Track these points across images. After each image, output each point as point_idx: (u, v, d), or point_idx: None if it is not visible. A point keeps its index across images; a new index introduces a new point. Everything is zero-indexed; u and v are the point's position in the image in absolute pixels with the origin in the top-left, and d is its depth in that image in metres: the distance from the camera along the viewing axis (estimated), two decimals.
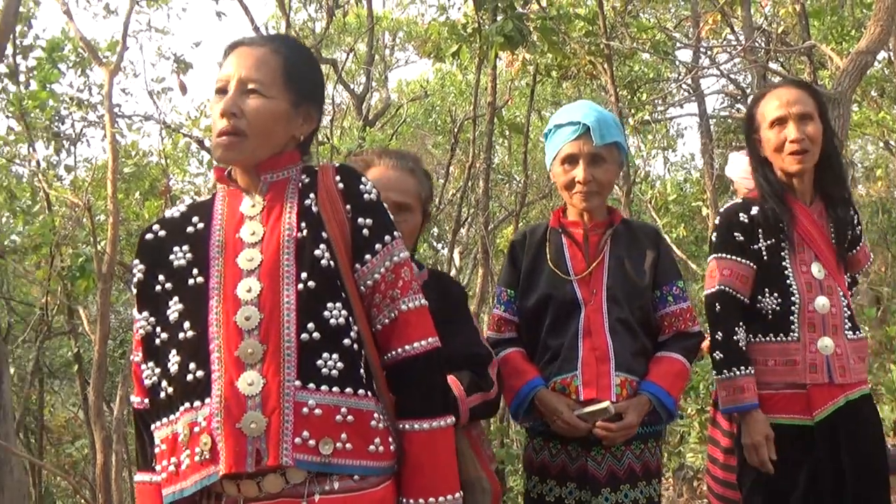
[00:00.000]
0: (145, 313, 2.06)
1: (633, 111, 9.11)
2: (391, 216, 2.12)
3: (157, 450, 2.02)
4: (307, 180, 2.09)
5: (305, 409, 1.90)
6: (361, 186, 2.08)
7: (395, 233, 2.09)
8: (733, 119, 11.23)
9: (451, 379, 2.49)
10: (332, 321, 1.96)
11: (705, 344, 3.22)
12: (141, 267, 2.09)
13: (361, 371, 1.99)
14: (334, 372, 1.94)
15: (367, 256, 2.04)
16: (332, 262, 2.00)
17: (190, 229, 2.08)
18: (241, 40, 2.13)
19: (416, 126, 13.23)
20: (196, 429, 1.92)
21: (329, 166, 2.12)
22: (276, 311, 1.94)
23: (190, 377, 1.94)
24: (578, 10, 7.61)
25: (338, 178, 2.08)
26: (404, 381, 2.04)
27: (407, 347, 2.04)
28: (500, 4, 5.58)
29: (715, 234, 3.06)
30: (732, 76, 10.52)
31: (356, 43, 12.20)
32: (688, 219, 10.23)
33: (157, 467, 2.01)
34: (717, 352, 2.95)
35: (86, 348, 8.43)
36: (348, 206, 2.05)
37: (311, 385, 1.92)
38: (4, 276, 8.74)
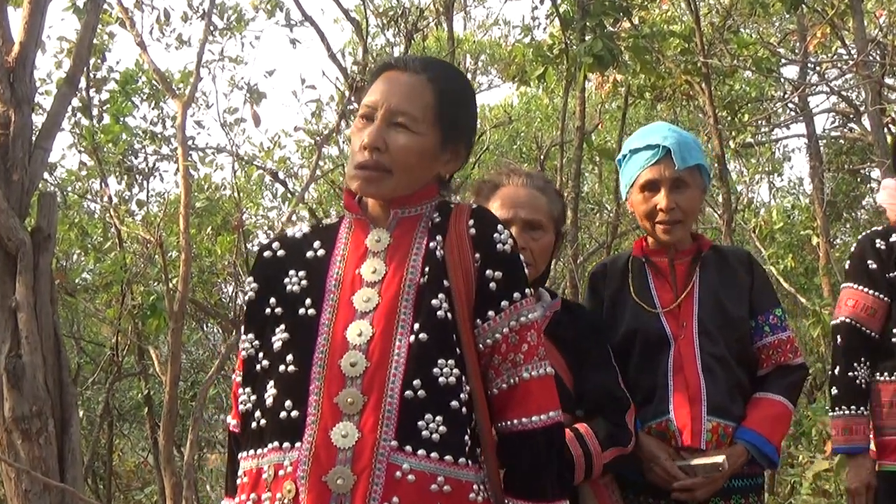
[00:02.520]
0: (251, 335, 2.05)
1: (734, 133, 8.99)
2: (526, 271, 2.08)
3: (239, 480, 2.02)
4: (439, 219, 2.06)
5: (399, 473, 1.86)
6: (496, 235, 2.02)
7: (527, 290, 2.04)
8: (846, 140, 10.98)
9: (584, 428, 2.50)
10: (442, 379, 1.91)
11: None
12: (255, 286, 2.07)
13: (467, 437, 1.94)
14: (436, 436, 1.89)
15: (491, 313, 1.99)
16: (449, 315, 1.96)
17: (310, 254, 2.06)
18: (395, 62, 2.09)
19: (499, 153, 13.28)
20: (281, 472, 1.90)
21: (465, 207, 2.08)
22: (383, 361, 1.91)
23: (284, 415, 1.92)
24: (673, 27, 7.58)
25: (471, 221, 2.04)
26: (517, 455, 1.98)
27: (525, 420, 1.98)
28: (588, 23, 5.60)
29: (848, 261, 3.00)
30: (844, 93, 10.31)
31: None
32: (796, 249, 9.99)
33: (237, 499, 2.01)
34: (833, 387, 2.89)
35: (156, 390, 8.62)
36: (478, 255, 2.00)
37: (409, 447, 1.88)
38: (75, 316, 9.01)
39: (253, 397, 2.02)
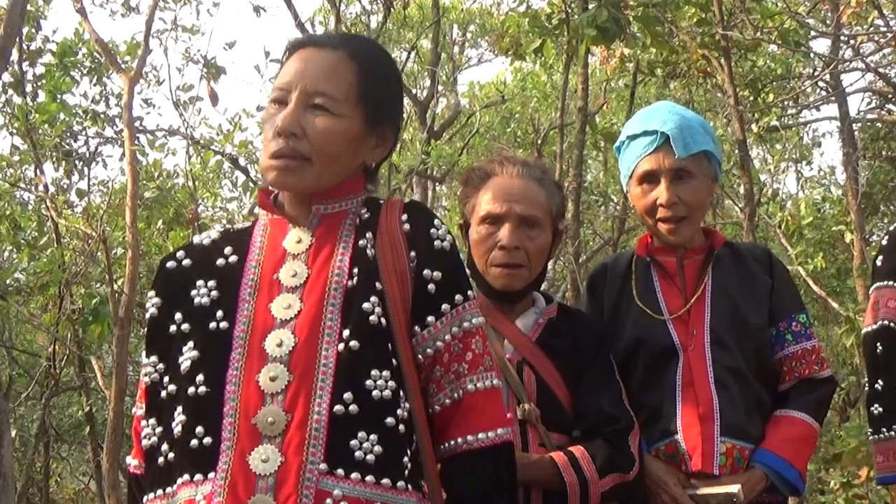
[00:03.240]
0: (154, 358, 2.05)
1: (757, 116, 9.02)
2: (467, 271, 2.10)
3: None
4: (367, 216, 2.08)
5: (329, 501, 1.86)
6: (433, 230, 2.06)
7: (470, 293, 2.07)
8: (883, 123, 11.02)
9: (579, 451, 2.51)
10: (376, 392, 1.93)
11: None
12: (156, 300, 2.09)
13: (406, 459, 1.95)
14: (370, 457, 1.90)
15: (430, 318, 2.01)
16: (383, 320, 1.97)
17: (220, 261, 2.07)
18: (309, 39, 2.12)
19: (491, 137, 13.29)
20: None
21: (396, 202, 2.10)
22: (308, 373, 1.92)
23: (195, 443, 1.92)
24: None
25: (404, 216, 2.06)
26: (463, 480, 2.00)
27: (471, 438, 2.00)
28: None
29: (880, 257, 3.00)
30: (881, 70, 10.35)
31: (419, 39, 12.34)
32: (827, 247, 10.03)
33: None
34: (876, 405, 2.89)
35: (99, 406, 8.60)
36: (413, 254, 2.03)
37: (340, 471, 1.88)
38: (6, 321, 8.98)
39: (158, 429, 2.02)
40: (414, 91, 12.95)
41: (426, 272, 2.02)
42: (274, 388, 1.92)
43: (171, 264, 2.11)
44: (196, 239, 2.16)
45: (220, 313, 2.00)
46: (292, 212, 2.09)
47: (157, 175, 8.19)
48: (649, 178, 2.82)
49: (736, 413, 2.72)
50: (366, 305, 1.97)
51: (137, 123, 7.72)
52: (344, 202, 2.09)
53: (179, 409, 1.97)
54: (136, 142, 6.80)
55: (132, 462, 2.10)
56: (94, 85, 8.40)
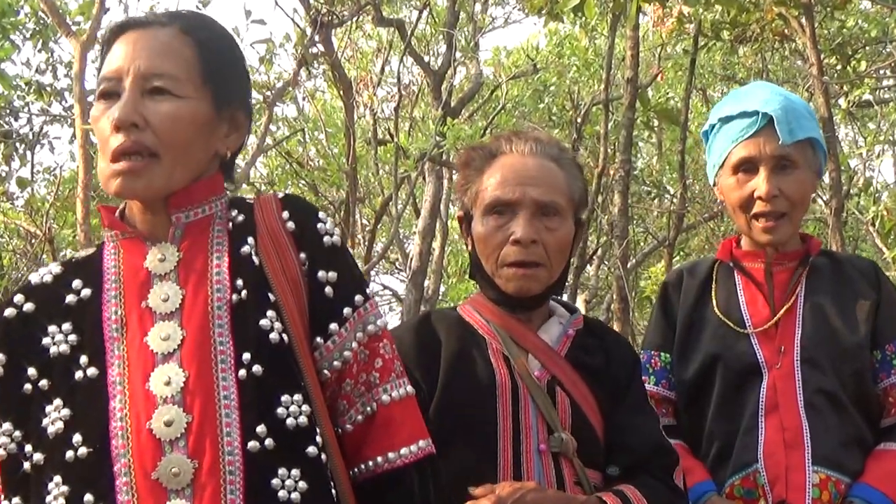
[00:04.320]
0: (7, 425, 2.05)
1: (845, 88, 8.98)
2: (353, 267, 2.14)
3: None
4: (240, 218, 2.11)
5: None
6: (320, 225, 2.11)
7: (368, 291, 2.13)
8: None
9: (631, 492, 2.50)
10: (290, 421, 1.97)
11: None
12: (0, 357, 2.07)
13: (333, 491, 2.01)
14: (295, 495, 1.95)
15: (333, 326, 2.06)
16: (284, 336, 2.01)
17: (70, 298, 2.09)
18: (132, 20, 2.14)
19: (520, 115, 13.29)
20: None
21: (270, 198, 2.14)
22: (209, 410, 1.95)
23: None
24: None
25: (285, 214, 2.10)
26: None
27: (391, 456, 2.05)
28: None
29: None
30: None
31: None
32: None
33: None
34: None
35: None
36: (303, 255, 2.08)
37: None
38: None
39: None
40: (427, 59, 12.94)
41: (321, 274, 2.08)
42: (171, 433, 1.94)
43: (9, 312, 2.10)
44: (34, 278, 2.17)
45: (83, 359, 2.02)
46: (147, 227, 2.11)
47: None
48: (746, 167, 2.87)
49: (831, 441, 2.76)
50: (263, 322, 2.00)
51: (91, 98, 7.74)
52: (206, 206, 2.12)
53: (57, 479, 1.97)
54: (90, 120, 6.81)
55: None
56: (39, 51, 8.45)
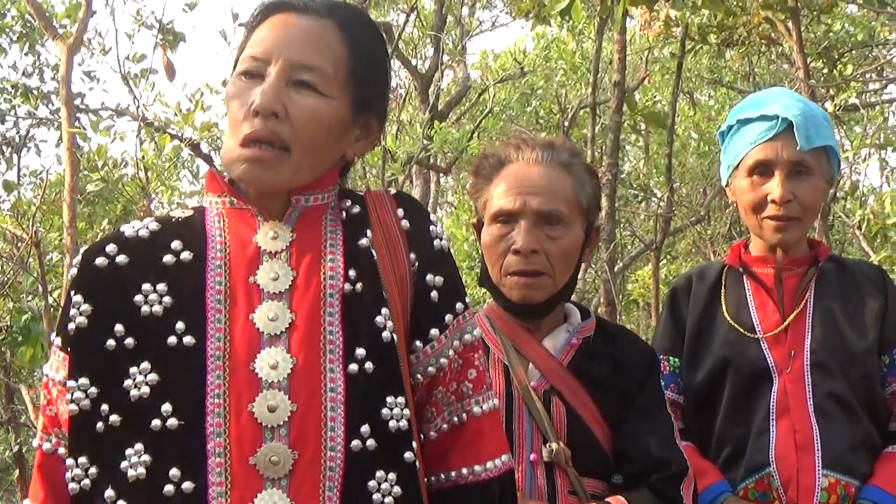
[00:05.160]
0: (83, 380, 1.97)
1: (831, 92, 9.01)
2: (457, 273, 2.13)
3: None
4: (356, 209, 2.08)
5: None
6: (432, 228, 2.10)
7: (467, 299, 2.11)
8: None
9: (618, 503, 2.51)
10: (393, 423, 1.95)
11: None
12: (85, 307, 2.00)
13: (425, 500, 2.00)
14: (388, 500, 1.92)
15: (434, 331, 2.04)
16: (394, 336, 1.99)
17: (168, 258, 2.02)
18: (288, 2, 2.08)
19: (507, 118, 13.30)
20: None
21: (382, 194, 2.11)
22: (314, 401, 1.92)
23: (170, 489, 1.88)
24: None
25: (400, 211, 2.08)
26: None
27: (478, 468, 2.03)
28: None
29: None
30: None
31: None
32: None
33: None
34: None
35: (31, 445, 8.60)
36: (413, 255, 2.06)
37: None
38: None
39: (93, 470, 1.95)
40: (414, 62, 12.94)
41: (429, 277, 2.05)
42: (274, 420, 1.90)
43: (100, 261, 2.03)
44: (127, 230, 2.08)
45: (180, 325, 1.96)
46: (261, 200, 2.06)
47: (102, 164, 8.18)
48: (762, 170, 2.91)
49: (840, 444, 2.80)
50: (378, 319, 1.98)
51: (78, 101, 7.73)
52: (325, 194, 2.09)
53: (138, 446, 1.91)
54: (77, 123, 6.80)
55: None
56: (26, 54, 8.43)
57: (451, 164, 11.46)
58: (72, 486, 1.97)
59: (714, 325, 2.95)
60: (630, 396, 2.63)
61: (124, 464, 1.92)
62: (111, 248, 2.04)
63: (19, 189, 8.50)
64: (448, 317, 2.06)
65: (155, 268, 2.01)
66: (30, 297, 7.26)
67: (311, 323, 1.96)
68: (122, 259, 2.03)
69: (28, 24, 8.13)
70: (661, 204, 10.89)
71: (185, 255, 2.02)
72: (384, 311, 1.98)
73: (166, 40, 7.47)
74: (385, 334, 1.97)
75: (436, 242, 2.08)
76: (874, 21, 9.57)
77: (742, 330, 2.91)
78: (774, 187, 2.87)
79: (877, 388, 2.89)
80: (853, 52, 9.75)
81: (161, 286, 1.99)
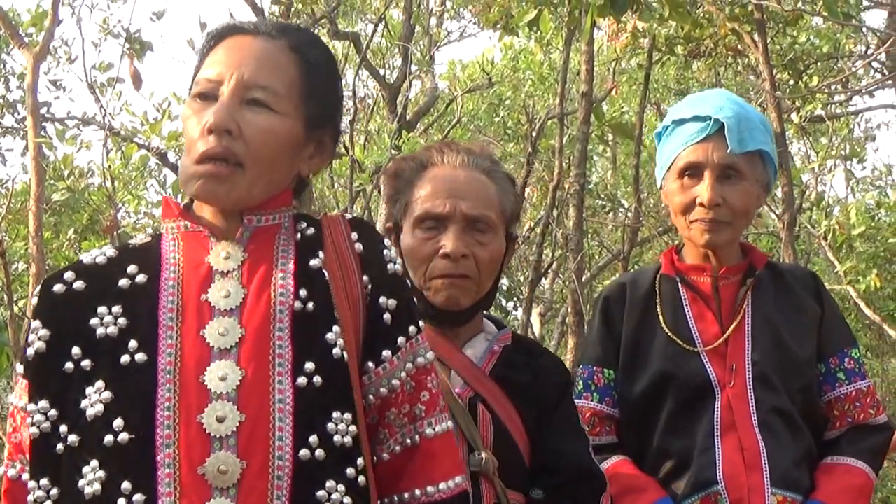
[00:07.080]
0: (43, 403, 2.01)
1: (797, 104, 9.07)
2: (410, 298, 2.17)
3: None
4: (310, 231, 2.12)
5: None
6: (386, 252, 2.14)
7: (420, 323, 2.15)
8: None
9: None
10: (337, 439, 1.97)
11: None
12: (44, 332, 2.05)
13: None
14: None
15: (387, 353, 2.08)
16: (345, 354, 2.02)
17: (124, 282, 2.06)
18: (242, 25, 2.15)
19: (475, 129, 13.31)
20: None
21: (338, 218, 2.16)
22: (263, 412, 1.94)
23: (122, 503, 1.90)
24: None
25: (354, 235, 2.13)
26: None
27: (430, 490, 2.06)
28: None
29: None
30: None
31: (388, 8, 12.36)
32: (883, 262, 10.08)
33: None
34: None
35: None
36: (366, 278, 2.10)
37: None
38: None
39: (54, 491, 1.99)
40: (382, 72, 12.94)
41: (382, 300, 2.10)
42: (223, 430, 1.92)
43: (58, 287, 2.08)
44: (86, 258, 2.15)
45: (133, 344, 2.00)
46: (215, 222, 2.11)
47: (68, 174, 8.16)
48: (692, 172, 2.86)
49: (785, 461, 2.77)
50: (329, 336, 2.01)
51: (44, 110, 7.70)
52: (277, 214, 2.13)
53: (94, 463, 1.95)
54: (43, 132, 6.77)
55: None
56: None
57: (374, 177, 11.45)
58: None
59: (651, 336, 2.89)
60: (549, 408, 2.61)
61: (82, 482, 1.95)
62: (69, 275, 2.10)
63: None
64: (401, 339, 2.10)
65: (111, 291, 2.06)
66: None
67: (260, 337, 1.99)
68: (79, 285, 2.08)
69: None
70: (629, 214, 10.93)
71: (140, 278, 2.07)
72: (335, 328, 2.01)
73: (133, 49, 7.44)
74: (336, 351, 2.00)
75: (389, 266, 2.13)
76: (839, 34, 9.65)
77: (681, 343, 2.85)
78: (703, 190, 2.81)
79: (815, 398, 2.86)
80: (818, 63, 9.83)
81: (116, 308, 2.04)
